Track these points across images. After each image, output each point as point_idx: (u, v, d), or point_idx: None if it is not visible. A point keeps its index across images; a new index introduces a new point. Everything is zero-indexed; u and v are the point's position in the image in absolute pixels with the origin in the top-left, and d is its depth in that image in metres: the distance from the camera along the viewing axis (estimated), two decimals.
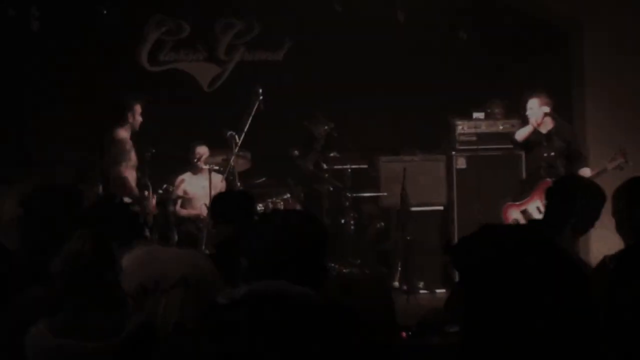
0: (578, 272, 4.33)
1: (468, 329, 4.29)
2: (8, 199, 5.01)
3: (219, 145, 10.93)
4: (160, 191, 10.64)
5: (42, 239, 4.55)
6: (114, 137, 10.36)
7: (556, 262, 4.32)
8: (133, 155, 10.44)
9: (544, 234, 4.43)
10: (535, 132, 10.09)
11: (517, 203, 10.00)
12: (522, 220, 9.79)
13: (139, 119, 10.54)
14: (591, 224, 4.84)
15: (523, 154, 10.90)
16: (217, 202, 6.71)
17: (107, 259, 3.96)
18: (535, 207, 9.73)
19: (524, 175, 10.93)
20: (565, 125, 10.32)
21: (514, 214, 9.99)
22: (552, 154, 9.87)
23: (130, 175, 10.34)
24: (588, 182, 5.66)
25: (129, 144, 10.42)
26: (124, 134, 10.41)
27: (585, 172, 9.60)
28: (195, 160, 11.09)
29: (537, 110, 10.04)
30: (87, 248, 3.86)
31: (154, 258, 4.75)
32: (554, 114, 10.20)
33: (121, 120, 10.46)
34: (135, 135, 10.60)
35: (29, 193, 4.88)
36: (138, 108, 10.47)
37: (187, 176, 11.20)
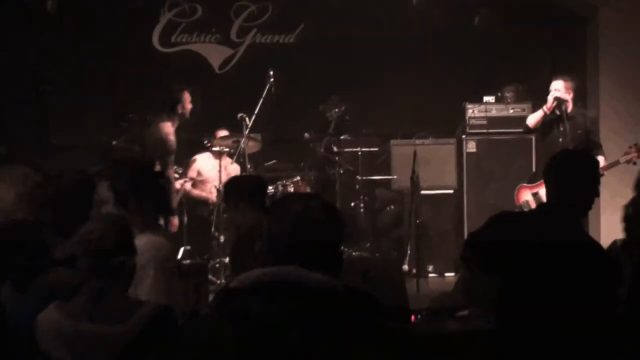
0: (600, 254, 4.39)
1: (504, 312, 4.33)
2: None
3: (229, 127, 10.93)
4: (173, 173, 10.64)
5: (71, 220, 4.58)
6: (162, 132, 9.91)
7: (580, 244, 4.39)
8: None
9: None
10: (554, 115, 10.04)
11: (530, 185, 10.01)
12: (532, 203, 9.83)
13: (189, 107, 10.13)
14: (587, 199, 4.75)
15: (533, 138, 10.89)
16: (233, 187, 6.68)
17: (127, 243, 3.99)
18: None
19: (534, 159, 10.92)
20: (585, 113, 10.25)
21: (526, 196, 10.00)
22: (568, 140, 9.83)
23: (172, 173, 10.13)
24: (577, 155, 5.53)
25: (175, 139, 9.98)
26: (170, 128, 9.95)
27: (600, 161, 9.57)
28: (207, 142, 11.04)
29: (564, 92, 9.89)
30: (108, 231, 3.89)
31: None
32: (576, 99, 10.16)
33: (173, 114, 10.01)
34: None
35: (60, 175, 4.94)
36: (187, 96, 10.10)
37: (200, 157, 11.17)
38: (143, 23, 12.45)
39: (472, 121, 11.41)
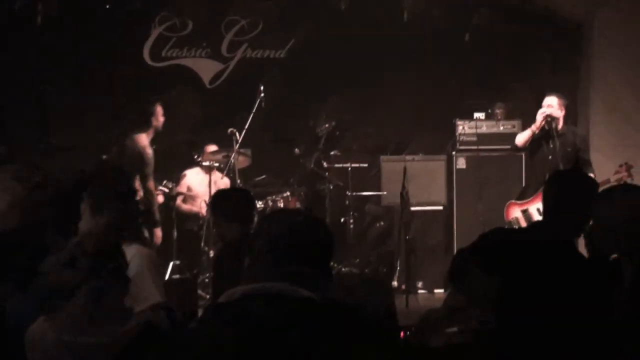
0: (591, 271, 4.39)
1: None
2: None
3: (220, 142, 10.93)
4: (161, 187, 10.63)
5: (71, 220, 4.57)
6: (138, 145, 9.96)
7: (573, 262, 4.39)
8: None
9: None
10: (544, 132, 10.06)
11: (520, 202, 10.02)
12: (522, 220, 9.83)
13: (162, 119, 10.19)
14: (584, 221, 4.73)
15: (523, 154, 10.92)
16: (220, 201, 6.67)
17: (120, 258, 4.00)
18: (536, 209, 9.74)
19: (523, 175, 10.95)
20: (575, 131, 10.27)
21: (515, 213, 10.00)
22: (557, 157, 9.83)
23: (152, 185, 10.10)
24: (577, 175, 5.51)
25: (151, 151, 10.02)
26: (146, 140, 10.00)
27: None
28: (197, 157, 11.05)
29: (557, 109, 9.94)
30: (108, 232, 3.90)
31: None
32: (567, 117, 10.17)
33: (147, 126, 10.07)
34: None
35: (60, 175, 4.93)
36: (160, 109, 10.15)
37: (190, 172, 11.18)
38: (140, 25, 12.43)
39: (462, 137, 11.44)
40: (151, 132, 10.05)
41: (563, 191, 4.63)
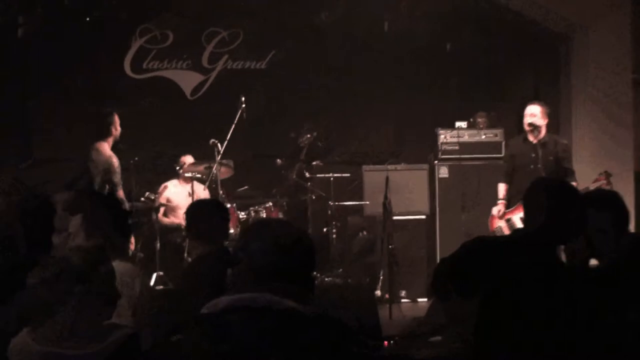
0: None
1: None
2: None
3: (201, 153, 10.91)
4: (143, 199, 10.60)
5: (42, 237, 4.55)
6: (103, 154, 9.92)
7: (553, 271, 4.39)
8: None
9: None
10: (527, 142, 10.10)
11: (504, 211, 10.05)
12: (506, 229, 9.85)
13: (119, 129, 10.11)
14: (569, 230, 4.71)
15: (505, 164, 10.96)
16: (191, 218, 6.47)
17: (102, 267, 3.97)
18: (519, 217, 9.76)
19: (500, 187, 10.95)
20: (558, 140, 10.22)
21: (499, 222, 10.03)
22: (539, 166, 9.83)
23: (122, 194, 10.04)
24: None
25: (117, 160, 9.96)
26: (109, 149, 9.96)
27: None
28: (179, 169, 11.04)
29: (540, 118, 9.92)
30: (85, 259, 3.87)
31: None
32: (549, 125, 10.16)
33: (108, 135, 10.02)
34: (116, 143, 10.48)
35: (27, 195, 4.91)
36: (117, 119, 10.08)
37: (171, 184, 11.17)
38: (121, 37, 12.41)
39: (445, 147, 11.45)
40: (111, 141, 10.02)
41: (553, 200, 4.58)
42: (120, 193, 9.85)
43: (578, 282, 4.40)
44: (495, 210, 10.15)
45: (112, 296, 3.97)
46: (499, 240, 4.84)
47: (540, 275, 4.29)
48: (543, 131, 9.97)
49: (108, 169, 9.80)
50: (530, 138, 9.97)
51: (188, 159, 11.07)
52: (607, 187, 9.53)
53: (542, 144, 9.92)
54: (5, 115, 11.85)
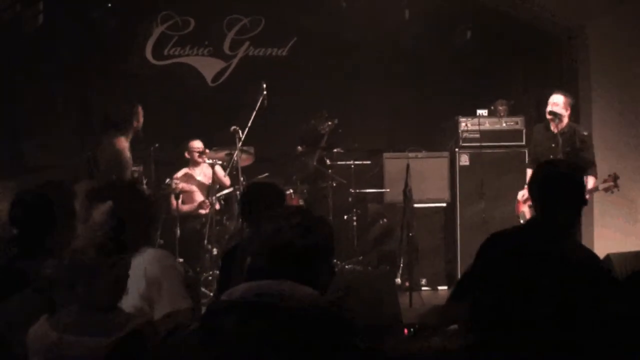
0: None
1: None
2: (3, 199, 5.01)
3: (222, 140, 10.92)
4: (164, 186, 10.62)
5: (38, 238, 4.56)
6: (115, 147, 9.55)
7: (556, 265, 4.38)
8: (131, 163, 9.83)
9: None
10: (548, 131, 10.07)
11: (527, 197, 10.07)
12: (527, 214, 9.84)
13: (142, 120, 9.75)
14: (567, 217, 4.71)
15: (526, 151, 10.95)
16: (249, 200, 6.37)
17: (112, 259, 3.97)
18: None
19: (527, 172, 10.94)
20: (578, 131, 10.13)
21: (523, 207, 10.05)
22: (559, 156, 9.75)
23: None
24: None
25: (129, 154, 9.65)
26: (125, 143, 9.60)
27: (589, 181, 9.66)
28: (188, 155, 11.06)
29: (562, 107, 9.91)
30: (91, 252, 3.87)
31: None
32: (571, 116, 10.12)
33: (126, 129, 9.64)
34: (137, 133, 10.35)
35: (23, 193, 4.88)
36: (141, 111, 9.74)
37: (184, 171, 11.18)
38: (143, 23, 12.42)
39: (465, 134, 11.44)
40: (130, 135, 9.78)
41: (545, 189, 4.61)
42: None
43: (593, 268, 4.41)
44: (520, 195, 10.17)
45: (121, 287, 3.98)
46: (510, 233, 4.82)
47: (544, 260, 4.30)
48: (565, 121, 9.94)
49: (118, 163, 9.59)
50: (552, 127, 9.94)
51: (196, 144, 11.08)
52: (615, 190, 9.59)
53: (562, 133, 9.89)
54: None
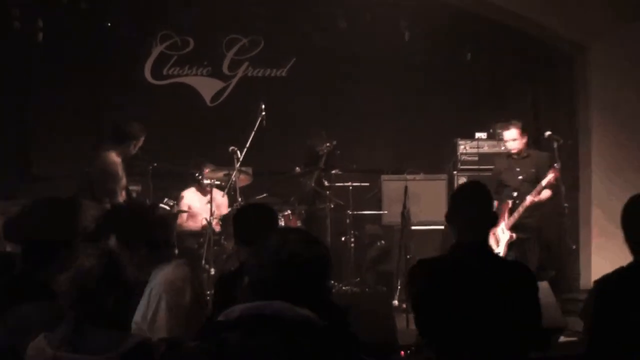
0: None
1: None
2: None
3: (220, 160, 10.91)
4: (161, 205, 10.60)
5: (42, 252, 4.54)
6: (110, 159, 9.87)
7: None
8: (124, 179, 10.04)
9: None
10: (509, 157, 10.42)
11: None
12: (492, 241, 9.95)
13: (139, 146, 10.07)
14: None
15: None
16: (240, 223, 6.40)
17: (116, 278, 3.96)
18: (500, 229, 10.05)
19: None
20: (538, 154, 10.50)
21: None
22: (520, 177, 10.18)
23: (122, 198, 10.02)
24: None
25: (120, 169, 9.91)
26: (116, 157, 9.87)
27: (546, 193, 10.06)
28: (198, 175, 11.02)
29: (519, 140, 10.28)
30: (97, 267, 3.86)
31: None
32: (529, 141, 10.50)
33: (121, 146, 9.93)
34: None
35: (28, 207, 4.85)
36: (142, 140, 10.05)
37: (188, 192, 11.16)
38: (134, 55, 12.44)
39: (464, 157, 11.45)
40: (121, 153, 9.88)
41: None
42: (121, 199, 9.86)
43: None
44: None
45: (122, 309, 3.97)
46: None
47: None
48: (522, 147, 10.36)
49: (109, 176, 9.71)
50: (514, 156, 10.39)
51: (209, 167, 11.06)
52: (554, 183, 9.96)
53: (523, 158, 10.34)
54: (3, 131, 11.87)
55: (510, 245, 10.05)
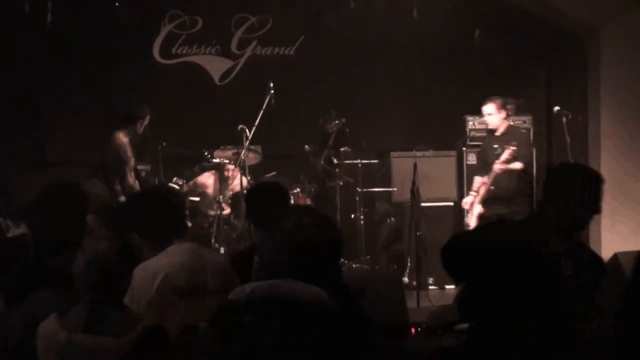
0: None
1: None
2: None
3: (229, 138, 10.91)
4: (171, 184, 10.62)
5: (53, 237, 4.55)
6: (119, 141, 10.24)
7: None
8: (133, 159, 10.34)
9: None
10: (490, 134, 10.50)
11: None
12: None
13: (145, 124, 10.48)
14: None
15: (534, 150, 10.95)
16: (252, 203, 6.22)
17: (130, 261, 3.99)
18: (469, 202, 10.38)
19: (534, 170, 10.94)
20: (516, 132, 10.54)
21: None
22: (496, 153, 10.16)
23: (132, 178, 10.22)
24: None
25: (129, 149, 10.29)
26: (124, 138, 10.27)
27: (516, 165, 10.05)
28: (208, 155, 11.01)
29: (496, 115, 10.27)
30: (112, 251, 3.88)
31: (202, 259, 4.76)
32: (510, 118, 10.59)
33: (129, 127, 10.36)
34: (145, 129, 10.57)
35: (39, 193, 4.86)
36: (148, 119, 10.42)
37: (203, 176, 11.18)
38: (143, 34, 12.43)
39: (473, 133, 11.44)
40: (130, 134, 10.26)
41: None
42: (129, 181, 9.99)
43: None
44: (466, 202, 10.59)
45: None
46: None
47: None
48: (502, 123, 10.35)
49: (117, 157, 9.97)
50: (495, 133, 10.41)
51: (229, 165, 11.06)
52: (510, 157, 9.90)
53: (503, 134, 10.34)
54: (15, 116, 11.91)
55: (481, 218, 10.12)
